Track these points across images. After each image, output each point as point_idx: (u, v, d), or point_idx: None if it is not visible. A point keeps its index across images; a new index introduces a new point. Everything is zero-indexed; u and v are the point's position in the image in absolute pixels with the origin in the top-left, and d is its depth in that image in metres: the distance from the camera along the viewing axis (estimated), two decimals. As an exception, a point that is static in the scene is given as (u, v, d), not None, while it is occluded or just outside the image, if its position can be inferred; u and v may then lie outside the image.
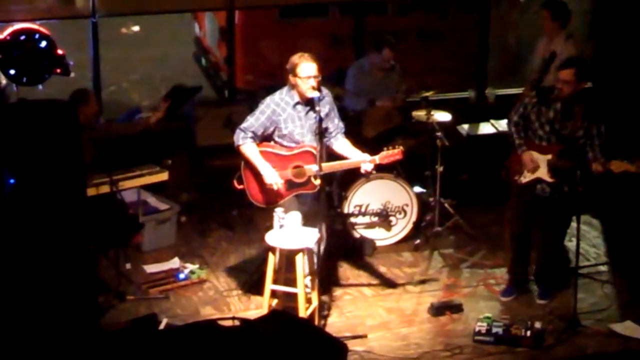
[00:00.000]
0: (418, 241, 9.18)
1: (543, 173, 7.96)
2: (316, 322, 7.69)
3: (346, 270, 8.78)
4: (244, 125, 7.81)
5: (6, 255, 6.75)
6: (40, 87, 9.03)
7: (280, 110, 7.77)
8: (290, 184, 7.81)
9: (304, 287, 7.61)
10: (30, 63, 8.81)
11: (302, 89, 7.70)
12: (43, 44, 8.85)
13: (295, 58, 7.74)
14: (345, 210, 9.04)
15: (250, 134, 7.76)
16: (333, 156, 7.93)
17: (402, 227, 9.20)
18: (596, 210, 9.69)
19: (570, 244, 8.67)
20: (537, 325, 7.74)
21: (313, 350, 6.46)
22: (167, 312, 8.07)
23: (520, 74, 11.35)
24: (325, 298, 8.11)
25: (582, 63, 7.96)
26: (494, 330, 7.72)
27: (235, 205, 9.52)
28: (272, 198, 7.85)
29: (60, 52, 8.96)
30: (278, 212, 7.77)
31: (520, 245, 8.27)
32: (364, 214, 9.13)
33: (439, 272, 8.82)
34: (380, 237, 9.18)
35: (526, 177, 8.04)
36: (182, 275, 8.56)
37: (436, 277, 8.71)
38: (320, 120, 7.61)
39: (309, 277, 7.81)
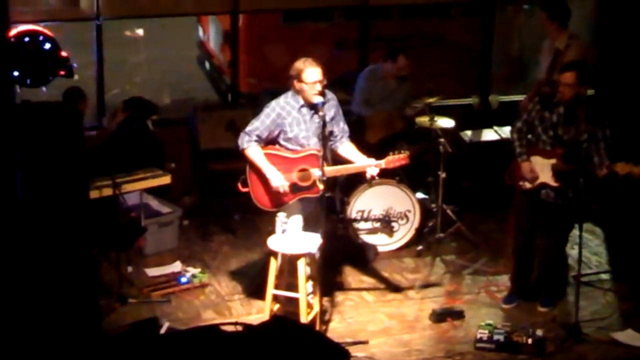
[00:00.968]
0: (420, 247, 9.18)
1: (547, 178, 7.95)
2: (318, 328, 7.68)
3: (348, 276, 8.77)
4: (248, 128, 7.79)
5: (9, 257, 6.74)
6: (43, 89, 9.04)
7: (285, 113, 7.76)
8: (295, 188, 7.80)
9: (305, 292, 7.60)
10: (34, 65, 8.81)
11: (308, 95, 7.69)
12: (47, 45, 8.85)
13: (299, 64, 7.73)
14: (348, 216, 9.04)
15: (255, 137, 7.74)
16: (338, 160, 7.92)
17: (404, 233, 9.20)
18: (598, 218, 9.69)
19: (572, 251, 8.65)
20: (539, 332, 7.74)
21: (315, 356, 6.45)
22: (169, 315, 8.07)
23: (524, 80, 11.35)
24: (326, 303, 8.11)
25: (583, 66, 7.97)
26: (495, 337, 7.71)
27: (237, 209, 9.51)
28: (276, 201, 7.83)
29: (64, 54, 8.97)
30: (280, 216, 7.76)
31: (524, 256, 8.26)
32: (366, 220, 9.12)
33: (441, 278, 8.82)
34: (383, 242, 9.18)
35: (530, 183, 8.03)
36: (183, 279, 8.56)
37: (438, 284, 8.71)
38: (324, 124, 7.60)
39: (310, 282, 7.81)
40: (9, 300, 6.74)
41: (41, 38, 8.86)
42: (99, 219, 7.86)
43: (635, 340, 7.86)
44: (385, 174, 8.58)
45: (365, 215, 9.11)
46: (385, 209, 9.12)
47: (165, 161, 9.34)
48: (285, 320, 7.29)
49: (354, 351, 7.50)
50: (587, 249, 9.23)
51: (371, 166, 7.80)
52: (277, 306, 7.85)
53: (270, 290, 7.65)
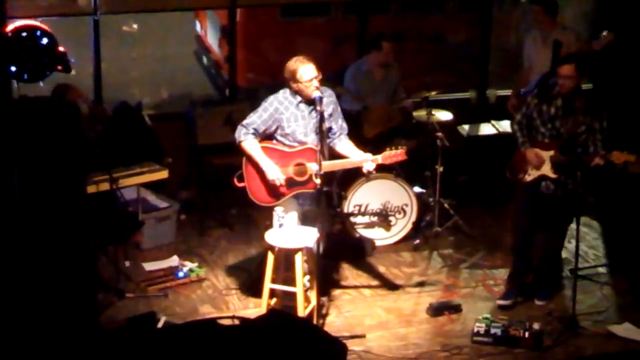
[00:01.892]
0: (417, 241, 9.19)
1: (547, 170, 7.97)
2: (315, 322, 7.68)
3: (345, 270, 8.78)
4: (245, 121, 7.78)
5: (6, 252, 6.75)
6: (41, 84, 9.04)
7: (283, 108, 7.76)
8: (291, 182, 7.79)
9: (302, 286, 7.61)
10: (32, 60, 8.81)
11: (306, 93, 7.66)
12: (44, 41, 8.85)
13: (291, 65, 7.68)
14: (345, 210, 9.04)
15: (252, 130, 7.73)
16: (335, 157, 7.90)
17: (401, 227, 9.20)
18: (595, 212, 9.70)
19: (569, 245, 8.67)
20: (536, 326, 7.74)
21: (312, 349, 6.46)
22: (166, 310, 8.08)
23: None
24: (324, 297, 8.11)
25: (581, 57, 8.01)
26: (493, 330, 7.72)
27: (234, 203, 9.52)
28: (272, 196, 7.83)
29: (61, 49, 8.96)
30: (278, 211, 7.76)
31: (523, 255, 8.26)
32: (363, 214, 9.13)
33: (438, 272, 8.83)
34: (380, 237, 9.18)
35: (531, 175, 8.04)
36: (181, 274, 8.57)
37: (435, 278, 8.71)
38: (322, 119, 7.60)
39: (307, 277, 7.81)
40: (7, 294, 6.75)
41: (38, 33, 8.85)
42: (96, 213, 7.86)
43: (632, 333, 7.86)
44: (383, 169, 8.59)
45: (362, 210, 9.11)
46: (382, 203, 9.12)
47: (162, 156, 9.34)
48: (282, 314, 7.30)
49: (351, 345, 7.50)
50: (584, 242, 9.23)
51: (367, 161, 7.81)
52: (274, 300, 7.86)
53: (268, 285, 7.66)
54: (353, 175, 8.86)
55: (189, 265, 8.71)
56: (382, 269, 8.83)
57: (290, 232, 7.70)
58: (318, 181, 7.55)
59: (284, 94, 7.81)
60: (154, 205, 9.17)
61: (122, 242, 8.50)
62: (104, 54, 10.00)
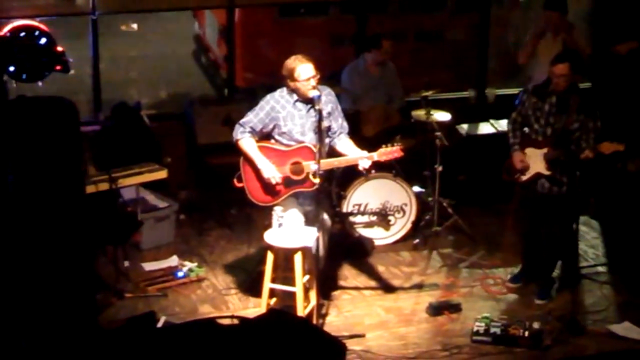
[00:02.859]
0: (417, 241, 9.18)
1: (541, 167, 8.01)
2: (314, 321, 7.68)
3: (344, 270, 8.78)
4: (243, 120, 7.79)
5: (4, 251, 6.75)
6: (39, 83, 9.02)
7: (279, 107, 7.75)
8: (288, 182, 7.78)
9: (302, 286, 7.60)
10: (30, 60, 8.80)
11: (304, 91, 7.66)
12: (43, 40, 8.83)
13: (289, 63, 7.69)
14: (344, 210, 9.04)
15: (248, 129, 7.73)
16: (334, 155, 7.89)
17: (400, 226, 9.20)
18: (595, 211, 9.70)
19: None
20: (535, 325, 7.74)
21: (311, 349, 6.45)
22: (165, 310, 8.07)
23: (521, 74, 11.33)
24: (323, 297, 8.10)
25: (575, 55, 8.10)
26: (492, 330, 7.72)
27: (234, 203, 9.52)
28: (270, 195, 7.82)
29: (59, 49, 8.95)
30: (277, 210, 7.75)
31: (531, 241, 8.30)
32: (362, 213, 9.13)
33: (438, 271, 8.83)
34: (379, 236, 9.18)
35: (526, 174, 8.06)
36: (180, 274, 8.56)
37: (435, 277, 8.71)
38: (321, 117, 7.59)
39: (307, 276, 7.80)
40: (6, 294, 6.75)
41: (37, 33, 8.83)
42: (95, 213, 7.85)
43: (632, 332, 7.86)
44: (382, 168, 8.58)
45: (361, 209, 9.11)
46: (381, 203, 9.12)
47: (161, 155, 9.34)
48: (281, 313, 7.29)
49: (351, 345, 7.50)
50: (584, 241, 9.24)
51: (363, 158, 7.78)
52: (274, 300, 7.85)
53: (267, 284, 7.65)
54: (352, 175, 8.85)
55: (188, 265, 8.70)
56: (381, 268, 8.83)
57: (290, 231, 7.69)
58: (316, 180, 7.55)
59: (280, 93, 7.81)
60: (153, 205, 9.16)
61: (122, 242, 8.49)
62: (103, 53, 9.99)
